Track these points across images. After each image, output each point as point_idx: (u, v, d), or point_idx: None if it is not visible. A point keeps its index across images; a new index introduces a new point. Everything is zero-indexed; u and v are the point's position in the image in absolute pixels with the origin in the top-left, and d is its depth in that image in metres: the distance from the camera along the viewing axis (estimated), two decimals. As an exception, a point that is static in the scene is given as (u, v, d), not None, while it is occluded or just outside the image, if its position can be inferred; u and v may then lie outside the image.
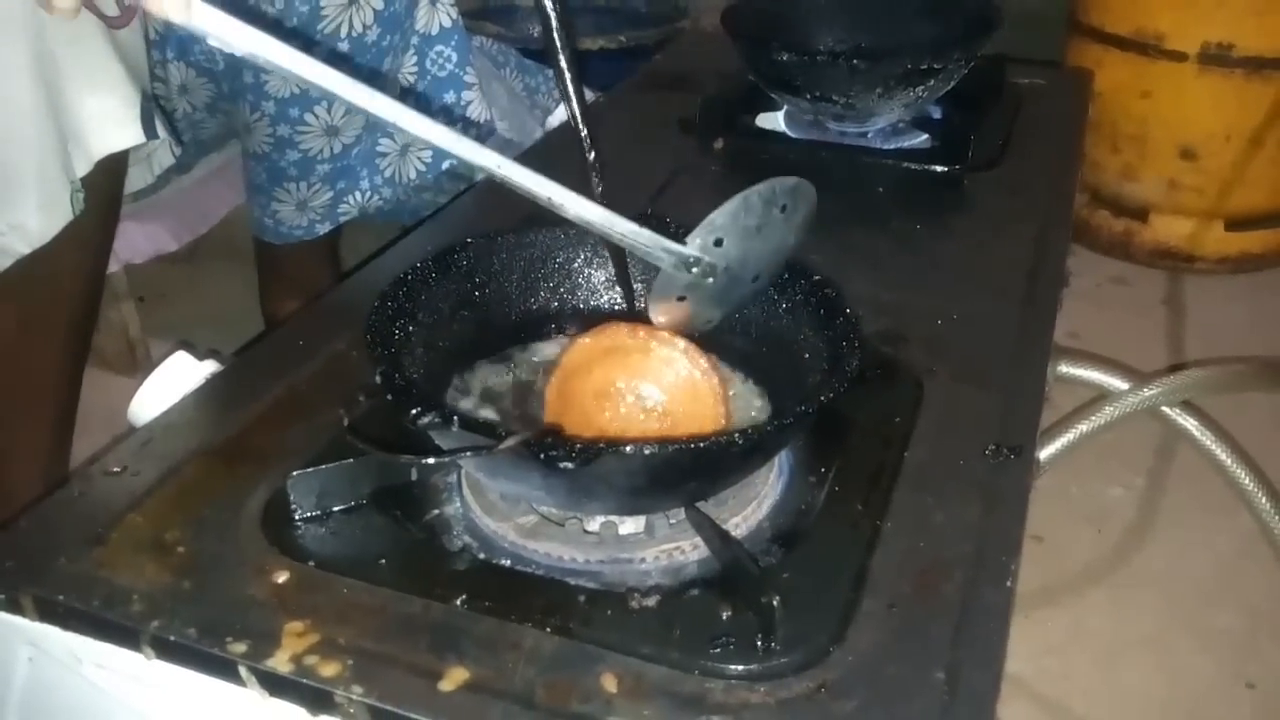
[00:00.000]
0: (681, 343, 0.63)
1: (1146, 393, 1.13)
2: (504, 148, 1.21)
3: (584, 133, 0.64)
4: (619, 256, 0.67)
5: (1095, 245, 2.16)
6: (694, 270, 0.59)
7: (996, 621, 0.54)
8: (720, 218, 0.58)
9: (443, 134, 0.54)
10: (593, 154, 0.64)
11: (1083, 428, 1.14)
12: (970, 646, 0.53)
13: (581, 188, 0.59)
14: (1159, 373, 1.20)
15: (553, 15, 0.62)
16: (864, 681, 0.51)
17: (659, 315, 0.63)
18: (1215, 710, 1.25)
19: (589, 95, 1.33)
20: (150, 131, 0.95)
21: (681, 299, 0.61)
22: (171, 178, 1.27)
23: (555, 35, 0.63)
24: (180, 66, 1.16)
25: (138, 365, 1.70)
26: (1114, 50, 2.01)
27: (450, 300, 0.68)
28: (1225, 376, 1.24)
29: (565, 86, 0.64)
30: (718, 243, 0.59)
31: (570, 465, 0.51)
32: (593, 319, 0.65)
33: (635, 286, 0.68)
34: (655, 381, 0.63)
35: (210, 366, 0.73)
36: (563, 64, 0.64)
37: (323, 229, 1.28)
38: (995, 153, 1.09)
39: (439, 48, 1.23)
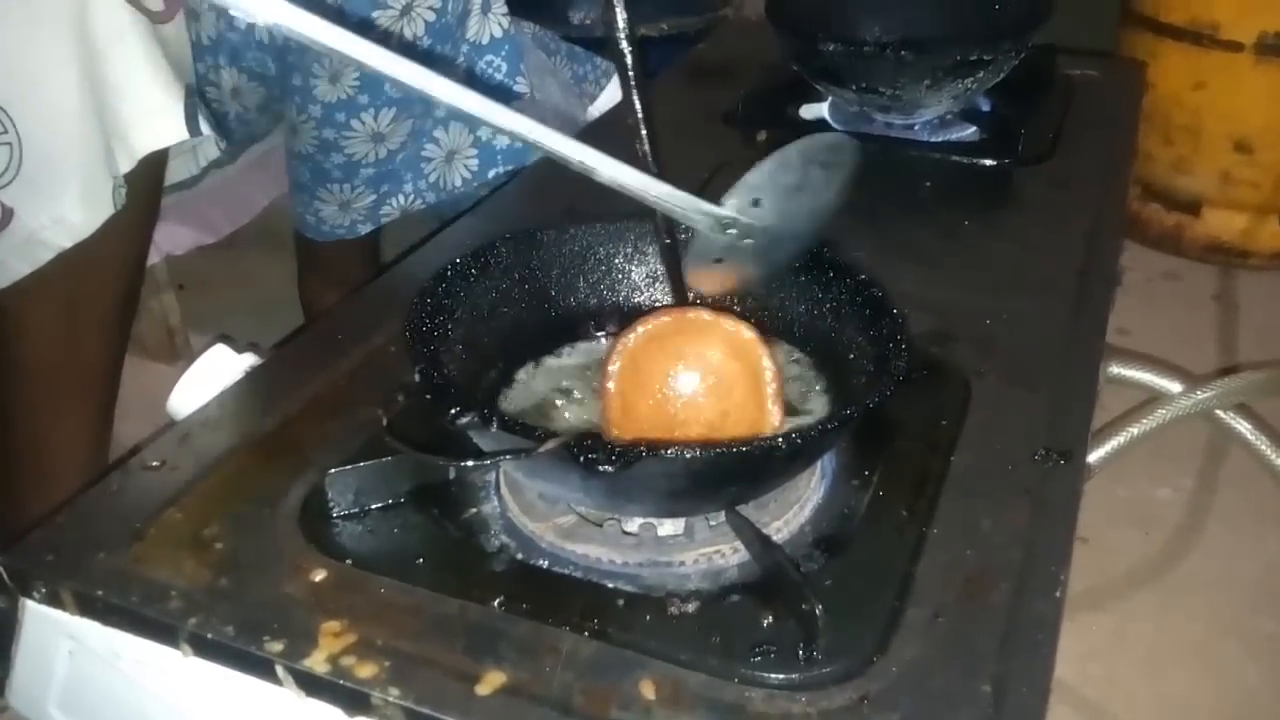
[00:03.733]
0: (737, 324, 0.61)
1: (1200, 396, 1.10)
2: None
3: (643, 134, 0.62)
4: (670, 251, 0.66)
5: (1146, 239, 2.11)
6: (730, 231, 0.57)
7: (1045, 633, 0.53)
8: (756, 177, 0.56)
9: (467, 97, 0.51)
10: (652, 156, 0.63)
11: (1134, 431, 1.12)
12: (1018, 658, 0.51)
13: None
14: (1210, 374, 1.17)
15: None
16: (908, 693, 0.49)
17: (696, 279, 0.61)
18: (1262, 718, 1.22)
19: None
20: (194, 128, 0.95)
21: (719, 261, 0.59)
22: (214, 169, 1.27)
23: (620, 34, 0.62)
24: (232, 72, 1.16)
25: (178, 354, 1.71)
26: (1168, 40, 1.96)
27: (490, 297, 0.67)
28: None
29: (630, 92, 0.62)
30: (755, 203, 0.57)
31: (609, 468, 0.50)
32: (634, 316, 0.64)
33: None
34: (716, 365, 0.61)
35: (249, 360, 0.73)
36: (630, 78, 0.62)
37: (364, 229, 1.28)
38: (1046, 146, 1.06)
39: (489, 57, 1.21)
